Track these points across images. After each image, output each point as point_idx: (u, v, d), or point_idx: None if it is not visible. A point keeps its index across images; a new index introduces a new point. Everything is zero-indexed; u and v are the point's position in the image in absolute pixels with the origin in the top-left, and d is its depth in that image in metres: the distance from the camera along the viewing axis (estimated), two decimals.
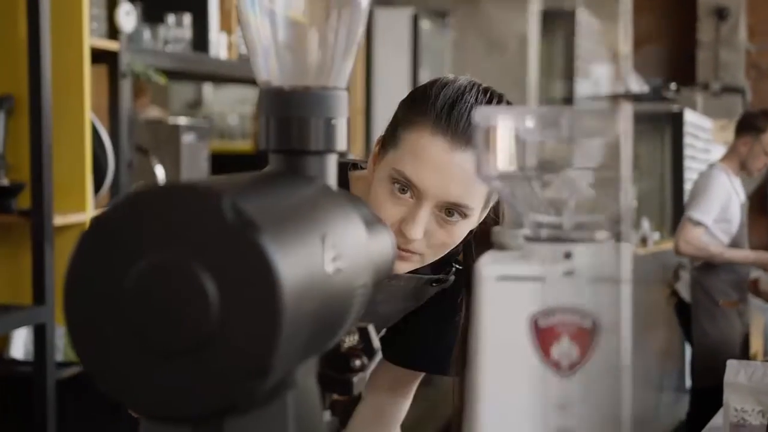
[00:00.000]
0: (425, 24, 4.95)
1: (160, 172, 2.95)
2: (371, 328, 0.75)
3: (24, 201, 2.32)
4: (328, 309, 0.58)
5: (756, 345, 4.55)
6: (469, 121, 1.11)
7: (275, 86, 0.66)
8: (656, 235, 5.03)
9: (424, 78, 4.48)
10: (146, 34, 2.89)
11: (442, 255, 1.19)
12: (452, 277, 1.30)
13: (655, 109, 5.96)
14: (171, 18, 3.03)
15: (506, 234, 0.63)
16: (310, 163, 0.66)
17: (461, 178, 1.11)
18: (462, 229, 1.16)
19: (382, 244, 0.71)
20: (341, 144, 0.67)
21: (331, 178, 0.67)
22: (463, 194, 1.12)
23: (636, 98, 5.92)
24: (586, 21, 6.42)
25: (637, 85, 6.15)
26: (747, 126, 4.16)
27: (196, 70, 3.22)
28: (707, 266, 3.92)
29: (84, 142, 2.45)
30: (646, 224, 4.97)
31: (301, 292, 0.53)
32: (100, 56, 2.60)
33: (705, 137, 6.27)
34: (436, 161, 1.11)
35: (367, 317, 0.70)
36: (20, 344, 2.72)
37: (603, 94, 6.06)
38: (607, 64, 6.00)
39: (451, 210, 1.13)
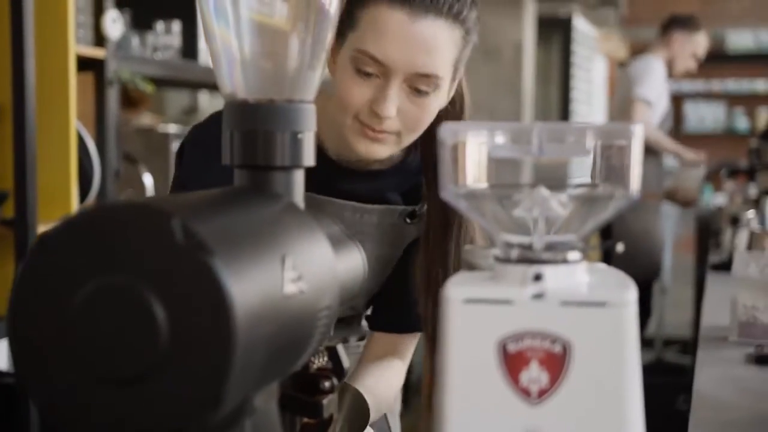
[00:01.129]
0: None
1: (148, 181, 2.92)
2: (340, 348, 0.73)
3: (7, 210, 2.29)
4: (287, 332, 0.55)
5: None
6: None
7: (240, 99, 0.64)
8: None
9: None
10: (134, 41, 2.86)
11: (418, 135, 1.16)
12: (425, 208, 1.26)
13: (545, 12, 5.92)
14: (160, 25, 3.01)
15: (476, 254, 0.61)
16: (275, 179, 0.64)
17: (425, 47, 1.10)
18: (434, 103, 1.15)
19: (351, 263, 0.68)
20: (308, 159, 0.65)
21: (298, 195, 0.65)
22: (429, 63, 1.11)
23: None
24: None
25: None
26: (683, 23, 4.20)
27: (184, 77, 3.18)
28: None
29: (69, 151, 2.41)
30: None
31: (257, 315, 0.50)
32: (86, 64, 2.57)
33: (590, 45, 6.32)
34: (397, 33, 1.10)
35: None
36: (3, 355, 2.69)
37: None
38: None
39: (420, 87, 1.12)
